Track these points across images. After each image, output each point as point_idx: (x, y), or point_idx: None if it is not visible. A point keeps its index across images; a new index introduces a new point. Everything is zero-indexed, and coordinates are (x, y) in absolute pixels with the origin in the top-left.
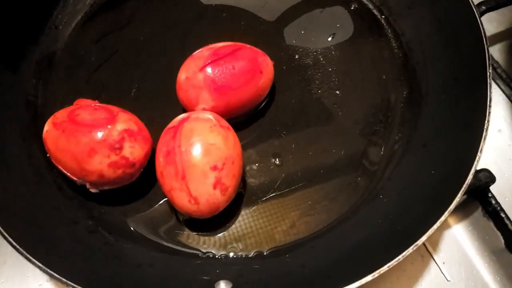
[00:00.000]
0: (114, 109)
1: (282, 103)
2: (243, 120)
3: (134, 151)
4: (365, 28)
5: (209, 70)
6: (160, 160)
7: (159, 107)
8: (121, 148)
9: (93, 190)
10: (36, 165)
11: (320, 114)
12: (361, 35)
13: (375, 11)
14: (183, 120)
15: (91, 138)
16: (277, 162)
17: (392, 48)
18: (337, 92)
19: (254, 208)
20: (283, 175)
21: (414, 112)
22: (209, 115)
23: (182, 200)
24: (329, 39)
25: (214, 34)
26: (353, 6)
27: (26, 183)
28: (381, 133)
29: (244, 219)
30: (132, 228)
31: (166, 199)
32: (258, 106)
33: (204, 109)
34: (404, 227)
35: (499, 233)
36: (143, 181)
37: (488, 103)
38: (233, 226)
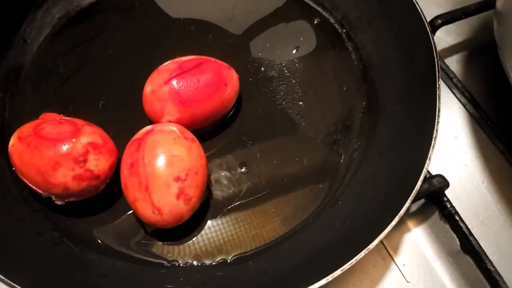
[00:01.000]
0: (79, 122)
1: (248, 113)
2: (209, 130)
3: (99, 164)
4: (327, 41)
5: (174, 83)
6: (124, 171)
7: (126, 119)
8: (85, 161)
9: (58, 202)
10: (1, 177)
11: (284, 124)
12: (323, 48)
13: (336, 26)
14: (147, 132)
15: (56, 151)
16: (243, 171)
17: (352, 60)
18: (300, 103)
19: (219, 216)
20: (248, 183)
21: (372, 121)
22: (173, 127)
23: (146, 211)
24: (293, 52)
25: (182, 47)
26: (316, 20)
27: None
28: (341, 142)
29: (210, 228)
30: (97, 239)
31: (132, 210)
32: (224, 117)
33: (169, 121)
34: (360, 232)
35: (455, 236)
36: (109, 192)
37: (437, 113)
38: (199, 235)
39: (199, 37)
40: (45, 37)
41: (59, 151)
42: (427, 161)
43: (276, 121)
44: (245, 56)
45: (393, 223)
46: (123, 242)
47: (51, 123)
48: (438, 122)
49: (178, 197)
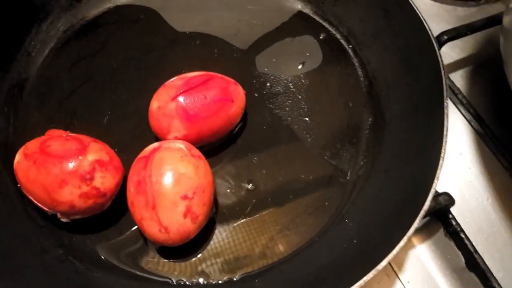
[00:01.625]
0: (86, 139)
1: (254, 129)
2: (215, 146)
3: (105, 181)
4: (333, 57)
5: (181, 99)
6: (131, 189)
7: (131, 134)
8: (92, 179)
9: (64, 220)
10: (6, 194)
11: (290, 140)
12: (329, 63)
13: (342, 41)
14: (154, 150)
15: (62, 169)
16: (248, 188)
17: (358, 76)
18: (306, 119)
19: (225, 234)
20: (253, 200)
21: (378, 138)
22: (180, 145)
23: (152, 229)
24: (299, 67)
25: (187, 61)
26: (321, 35)
27: None
28: (347, 159)
29: (216, 245)
30: (102, 257)
31: (137, 227)
32: (230, 133)
33: (176, 138)
34: (367, 252)
35: (459, 253)
36: (115, 210)
37: (445, 132)
38: (205, 252)
39: (204, 51)
40: (50, 50)
41: (66, 169)
42: (435, 180)
43: (282, 137)
44: (251, 71)
45: (402, 243)
46: (128, 260)
47: (57, 140)
48: (446, 142)
49: (185, 216)
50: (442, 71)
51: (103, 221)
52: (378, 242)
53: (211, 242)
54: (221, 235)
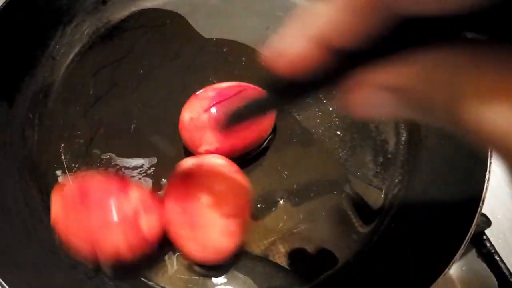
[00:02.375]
0: (124, 179)
1: (284, 142)
2: (246, 160)
3: (150, 224)
4: None
5: (214, 111)
6: (169, 207)
7: (160, 144)
8: (137, 223)
9: (108, 272)
10: (32, 205)
11: (320, 154)
12: None
13: None
14: (194, 166)
15: (106, 214)
16: (280, 203)
17: None
18: (338, 132)
19: (256, 253)
20: (284, 217)
21: (415, 155)
22: (220, 160)
23: (192, 248)
24: None
25: (215, 69)
26: None
27: (23, 225)
28: (382, 176)
29: (247, 264)
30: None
31: (170, 244)
32: (260, 146)
33: (207, 151)
34: (403, 282)
35: (492, 275)
36: None
37: (489, 152)
38: (236, 272)
39: (232, 59)
40: (74, 55)
41: (110, 214)
42: (480, 204)
43: (312, 151)
44: None
45: (442, 275)
46: (158, 276)
47: (96, 181)
48: (490, 163)
49: (224, 234)
50: None
51: None
52: (415, 271)
53: (243, 261)
54: (251, 254)
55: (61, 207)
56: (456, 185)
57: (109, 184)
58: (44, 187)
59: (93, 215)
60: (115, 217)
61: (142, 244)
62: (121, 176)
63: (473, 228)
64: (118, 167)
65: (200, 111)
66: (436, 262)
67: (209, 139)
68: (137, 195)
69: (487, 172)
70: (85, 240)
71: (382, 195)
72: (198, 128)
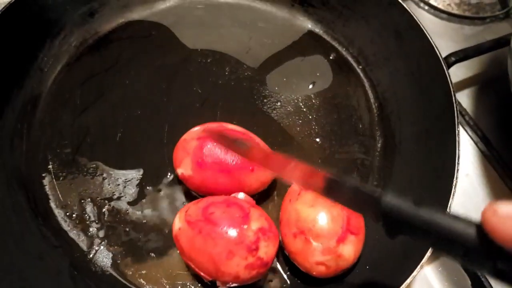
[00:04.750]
0: (245, 204)
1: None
2: None
3: (268, 251)
4: (343, 77)
5: (203, 142)
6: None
7: (144, 151)
8: (257, 249)
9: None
10: (20, 213)
11: (300, 160)
12: (339, 84)
13: (352, 61)
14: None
15: (229, 240)
16: None
17: (368, 97)
18: (317, 139)
19: None
20: None
21: (390, 161)
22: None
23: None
24: (310, 87)
25: (199, 79)
26: (332, 55)
27: (10, 232)
28: (359, 181)
29: None
30: (117, 277)
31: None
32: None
33: (182, 175)
34: (380, 279)
35: (466, 274)
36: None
37: (457, 160)
38: None
39: (216, 69)
40: (62, 66)
41: (233, 240)
42: (448, 209)
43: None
44: (262, 90)
45: (415, 273)
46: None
47: (218, 206)
48: (458, 170)
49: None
50: (453, 96)
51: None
52: (390, 268)
53: None
54: None
55: (186, 224)
56: (428, 189)
57: (231, 208)
58: (32, 195)
59: (218, 237)
60: (238, 240)
61: (259, 267)
62: (241, 202)
63: None
64: (105, 175)
65: (194, 137)
66: (408, 262)
67: (186, 165)
68: (257, 222)
69: (454, 179)
70: (209, 259)
71: None
72: (184, 150)
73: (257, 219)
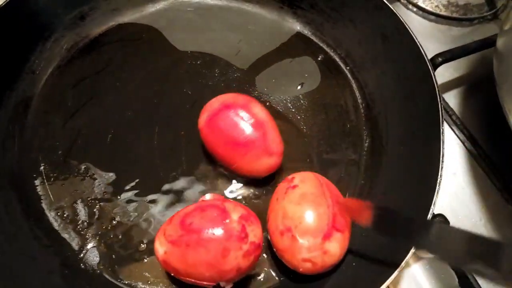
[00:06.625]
0: (217, 202)
1: None
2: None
3: (256, 233)
4: (331, 78)
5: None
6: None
7: (134, 152)
8: (246, 236)
9: (228, 287)
10: (12, 214)
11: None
12: (327, 85)
13: (340, 63)
14: None
15: (219, 239)
16: None
17: (356, 98)
18: (305, 139)
19: None
20: None
21: (377, 161)
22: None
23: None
24: (298, 88)
25: (190, 80)
26: (320, 57)
27: (2, 232)
28: (346, 180)
29: None
30: (107, 277)
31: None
32: None
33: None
34: (366, 275)
35: (453, 272)
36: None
37: (441, 159)
38: None
39: (206, 71)
40: (54, 68)
41: (222, 237)
42: (432, 206)
43: None
44: (251, 91)
45: (399, 268)
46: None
47: (193, 214)
48: (442, 168)
49: None
50: (439, 98)
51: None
52: (377, 265)
53: None
54: None
55: (170, 245)
56: (412, 189)
57: (206, 211)
58: (24, 196)
59: (207, 241)
60: (226, 235)
61: (254, 250)
62: (211, 202)
63: None
64: (96, 176)
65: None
66: (394, 258)
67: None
68: (236, 212)
69: (438, 177)
70: (207, 266)
71: (346, 197)
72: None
73: (234, 210)
